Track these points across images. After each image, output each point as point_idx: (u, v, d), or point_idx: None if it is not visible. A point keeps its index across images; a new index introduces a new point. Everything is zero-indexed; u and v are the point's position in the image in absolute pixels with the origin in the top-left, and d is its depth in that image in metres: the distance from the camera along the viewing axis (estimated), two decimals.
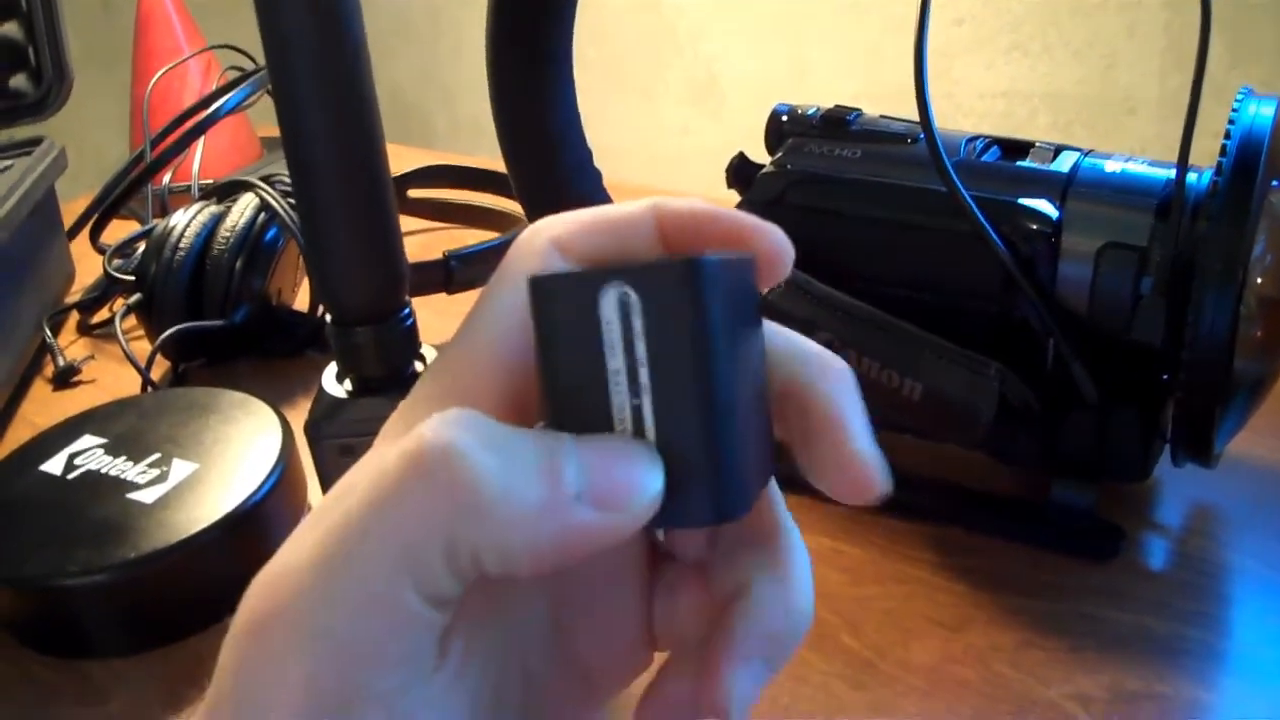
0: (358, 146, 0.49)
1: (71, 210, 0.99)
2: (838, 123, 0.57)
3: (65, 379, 0.82)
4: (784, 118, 0.59)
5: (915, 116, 0.57)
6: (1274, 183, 0.49)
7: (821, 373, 0.27)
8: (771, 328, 0.28)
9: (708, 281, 0.23)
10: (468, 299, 0.80)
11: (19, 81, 0.94)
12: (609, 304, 0.24)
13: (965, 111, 0.77)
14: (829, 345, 0.52)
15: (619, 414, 0.24)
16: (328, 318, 0.53)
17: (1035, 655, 0.48)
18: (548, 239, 0.27)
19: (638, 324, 0.24)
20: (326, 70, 0.47)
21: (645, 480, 0.23)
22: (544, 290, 0.25)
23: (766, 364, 0.27)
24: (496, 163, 0.66)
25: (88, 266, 0.95)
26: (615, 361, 0.24)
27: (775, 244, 0.27)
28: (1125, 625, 0.50)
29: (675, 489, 0.24)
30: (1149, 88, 0.93)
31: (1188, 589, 0.52)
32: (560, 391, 0.25)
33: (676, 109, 1.31)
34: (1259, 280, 0.49)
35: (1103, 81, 0.98)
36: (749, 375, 0.25)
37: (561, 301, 0.24)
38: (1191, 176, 0.50)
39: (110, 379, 0.81)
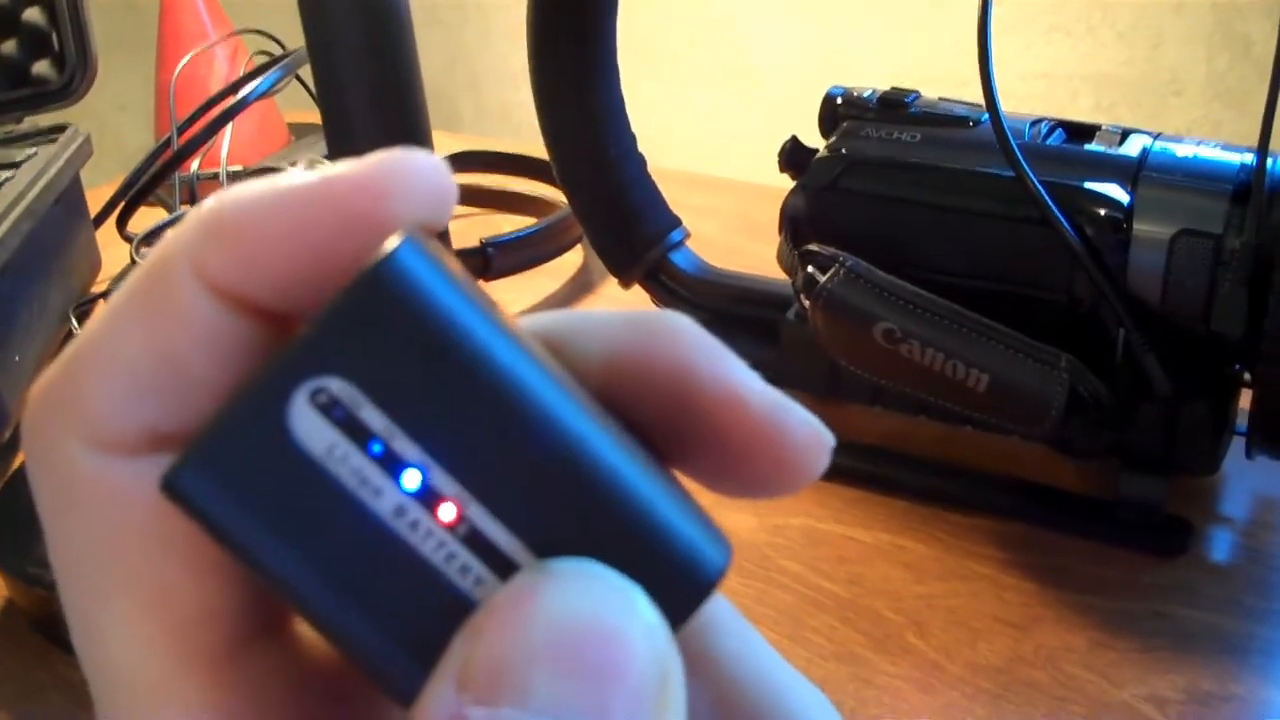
0: (401, 126, 0.48)
1: (97, 198, 0.98)
2: (896, 105, 0.55)
3: None
4: (839, 100, 0.57)
5: (960, 98, 0.56)
6: None
7: (654, 332, 0.17)
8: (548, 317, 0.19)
9: (414, 275, 0.15)
10: (507, 286, 0.79)
11: (42, 68, 0.93)
12: (309, 423, 0.15)
13: (1005, 94, 0.75)
14: (889, 335, 0.51)
15: (450, 572, 0.15)
16: None
17: (1107, 656, 0.47)
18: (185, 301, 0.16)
19: (371, 413, 0.15)
20: (370, 46, 0.46)
21: (623, 630, 0.14)
22: (193, 490, 0.15)
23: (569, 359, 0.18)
24: (529, 148, 0.65)
25: (114, 255, 0.93)
26: (385, 495, 0.15)
27: (422, 179, 0.16)
28: (1196, 623, 0.48)
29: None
30: (1196, 68, 0.91)
31: (1259, 585, 0.50)
32: (332, 607, 0.15)
33: (710, 92, 1.29)
34: None
35: (1147, 62, 0.96)
36: (568, 383, 0.16)
37: (232, 483, 0.15)
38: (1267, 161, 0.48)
39: None
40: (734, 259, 0.66)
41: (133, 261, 0.83)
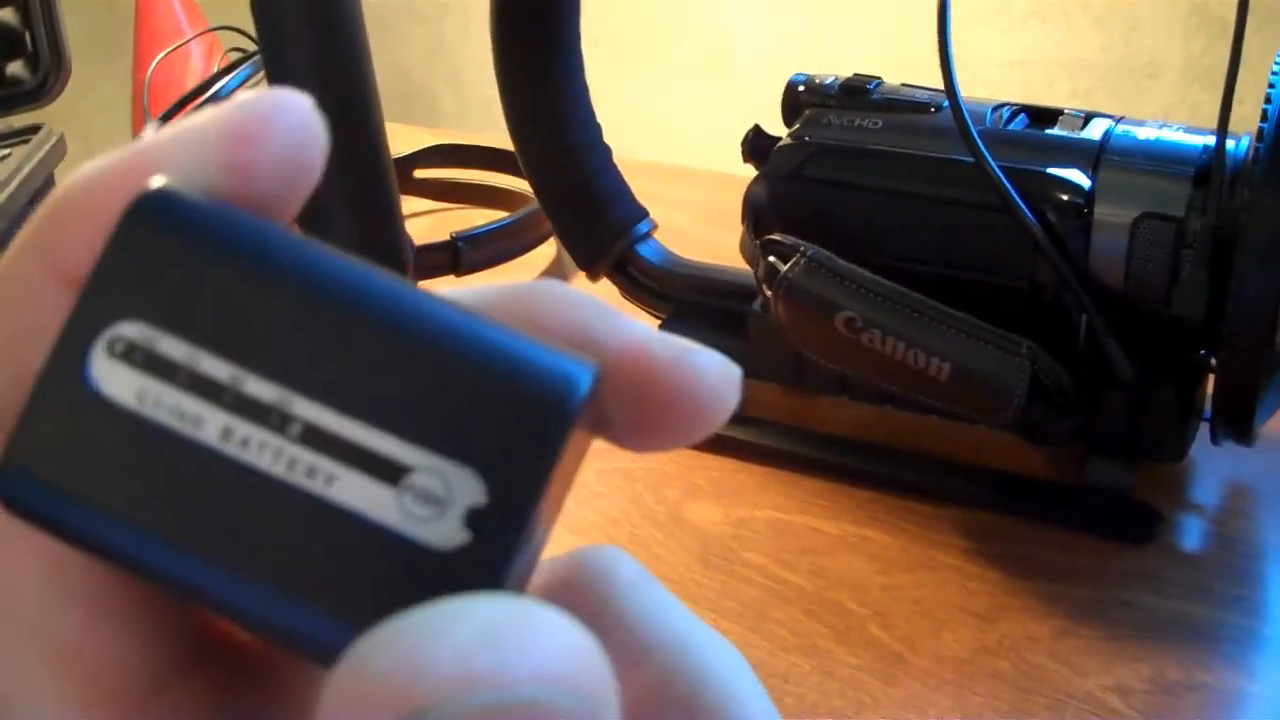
0: (353, 120, 0.47)
1: None
2: (857, 92, 0.55)
3: None
4: (801, 88, 0.56)
5: (936, 86, 0.55)
6: None
7: (533, 302, 0.18)
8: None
9: (170, 203, 0.15)
10: (478, 282, 0.78)
11: (16, 68, 0.93)
12: (112, 375, 0.14)
13: (981, 81, 0.75)
14: (850, 324, 0.50)
15: (300, 479, 0.14)
16: None
17: (1072, 644, 0.46)
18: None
19: (170, 343, 0.14)
20: (320, 41, 0.46)
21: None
22: (23, 492, 0.14)
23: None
24: (505, 141, 0.64)
25: None
26: (206, 422, 0.14)
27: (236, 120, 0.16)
28: (1164, 611, 0.48)
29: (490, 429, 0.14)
30: (1172, 52, 0.91)
31: (1227, 572, 0.50)
32: (209, 578, 0.14)
33: (687, 82, 1.28)
34: None
35: (1124, 47, 0.95)
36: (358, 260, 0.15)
37: (62, 469, 0.14)
38: (1228, 143, 0.48)
39: None
40: (707, 250, 0.66)
41: None
